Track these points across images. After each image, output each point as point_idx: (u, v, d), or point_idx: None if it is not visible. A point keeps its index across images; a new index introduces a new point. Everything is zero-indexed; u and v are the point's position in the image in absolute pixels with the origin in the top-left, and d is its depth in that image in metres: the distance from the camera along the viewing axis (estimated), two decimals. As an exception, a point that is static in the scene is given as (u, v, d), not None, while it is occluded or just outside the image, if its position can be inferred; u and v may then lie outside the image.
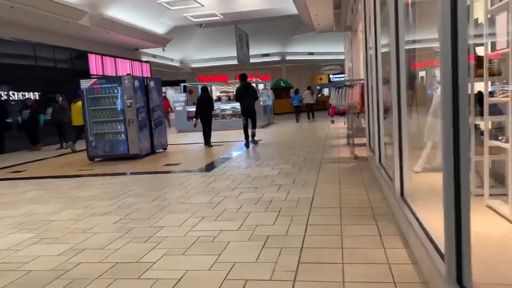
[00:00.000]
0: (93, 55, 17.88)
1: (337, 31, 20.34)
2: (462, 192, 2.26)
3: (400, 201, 4.00)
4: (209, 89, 12.29)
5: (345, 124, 13.92)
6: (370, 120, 7.53)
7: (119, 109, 9.68)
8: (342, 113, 10.72)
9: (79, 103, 10.80)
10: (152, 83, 10.50)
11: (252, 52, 30.59)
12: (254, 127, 11.23)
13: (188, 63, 35.67)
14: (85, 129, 9.88)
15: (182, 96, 17.19)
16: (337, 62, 33.59)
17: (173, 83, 29.86)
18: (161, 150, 10.97)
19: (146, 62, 22.65)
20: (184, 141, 13.71)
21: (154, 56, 29.90)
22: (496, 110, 4.19)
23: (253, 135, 11.26)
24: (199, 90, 20.40)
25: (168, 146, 11.46)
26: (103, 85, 9.72)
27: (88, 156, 9.90)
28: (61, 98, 13.03)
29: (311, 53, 36.63)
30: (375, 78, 6.22)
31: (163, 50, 22.73)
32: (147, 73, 22.60)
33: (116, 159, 9.81)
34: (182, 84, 17.44)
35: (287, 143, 11.17)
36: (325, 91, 36.65)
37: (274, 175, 6.76)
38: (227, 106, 17.64)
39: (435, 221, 3.69)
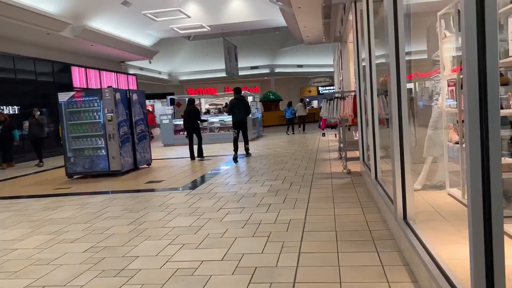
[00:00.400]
0: (77, 67, 17.36)
1: (327, 42, 20.14)
2: (494, 220, 1.83)
3: (403, 225, 3.56)
4: (196, 101, 12.06)
5: (336, 137, 13.57)
6: (363, 133, 7.15)
7: (100, 123, 9.18)
8: (333, 126, 10.33)
9: None
10: (135, 96, 10.02)
11: (241, 64, 30.33)
12: (246, 142, 11.26)
13: (176, 76, 35.28)
14: (63, 145, 9.34)
15: (169, 109, 16.71)
16: (326, 74, 33.44)
17: (161, 96, 29.42)
18: (145, 165, 10.46)
19: (132, 74, 22.17)
20: (170, 156, 13.19)
21: (141, 68, 29.46)
22: (505, 122, 3.82)
23: (247, 150, 11.29)
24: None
25: (153, 161, 10.96)
26: (83, 98, 9.22)
27: (66, 173, 9.34)
28: (38, 113, 12.32)
29: (300, 66, 36.52)
30: (369, 89, 5.85)
31: (150, 62, 22.28)
32: (133, 86, 22.12)
33: (96, 176, 9.28)
34: (169, 97, 16.97)
35: (277, 156, 10.74)
36: (314, 103, 36.54)
37: (263, 193, 6.31)
38: (215, 119, 17.20)
39: (445, 250, 3.27)
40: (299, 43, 32.21)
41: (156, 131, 17.06)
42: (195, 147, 11.44)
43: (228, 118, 16.87)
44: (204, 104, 41.64)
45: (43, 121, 12.39)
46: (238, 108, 10.73)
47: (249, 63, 34.00)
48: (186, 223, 4.88)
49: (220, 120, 17.10)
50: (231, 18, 19.13)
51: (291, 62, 35.65)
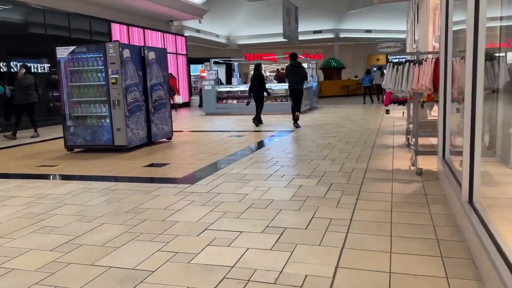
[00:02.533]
0: (118, 24, 15.77)
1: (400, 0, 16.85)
2: None
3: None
4: (260, 67, 11.34)
5: (403, 115, 10.82)
6: (446, 117, 4.65)
7: (105, 86, 7.36)
8: (400, 101, 7.75)
9: None
10: (151, 54, 8.06)
11: (302, 28, 27.45)
12: (299, 110, 10.36)
13: (234, 39, 33.14)
14: (63, 111, 7.68)
15: (212, 74, 14.71)
16: (397, 40, 29.56)
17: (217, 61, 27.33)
18: (164, 140, 8.62)
19: (181, 35, 20.33)
20: (205, 127, 11.27)
21: (198, 31, 27.66)
22: None
23: (297, 118, 10.25)
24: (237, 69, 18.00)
25: (182, 133, 9.12)
26: (85, 55, 7.42)
27: (66, 145, 7.71)
28: (23, 71, 9.53)
29: (369, 31, 32.75)
30: (471, 50, 3.34)
31: (200, 22, 20.30)
32: (182, 48, 20.35)
33: (98, 150, 7.57)
34: (212, 60, 14.95)
35: (323, 137, 8.40)
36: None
37: (283, 201, 4.12)
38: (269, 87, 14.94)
39: None
40: (368, 4, 28.60)
41: (176, 99, 14.89)
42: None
43: (276, 87, 14.61)
44: (263, 71, 39.49)
45: (29, 81, 9.51)
46: (294, 74, 10.11)
47: (311, 27, 30.93)
48: (134, 260, 2.86)
49: (268, 88, 14.80)
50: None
51: (358, 26, 32.00)
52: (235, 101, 14.86)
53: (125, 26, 16.19)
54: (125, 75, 7.30)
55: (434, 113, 8.96)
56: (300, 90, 10.24)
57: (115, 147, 7.42)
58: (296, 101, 10.23)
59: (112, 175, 5.68)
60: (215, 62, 16.20)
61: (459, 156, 3.74)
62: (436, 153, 5.26)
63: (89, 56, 7.39)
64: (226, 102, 14.92)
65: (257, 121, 10.91)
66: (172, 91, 14.35)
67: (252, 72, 37.53)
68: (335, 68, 27.03)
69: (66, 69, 7.50)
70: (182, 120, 13.60)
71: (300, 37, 26.99)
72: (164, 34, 18.83)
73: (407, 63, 4.96)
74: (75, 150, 7.75)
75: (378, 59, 36.82)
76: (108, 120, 7.41)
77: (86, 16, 14.20)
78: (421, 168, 5.05)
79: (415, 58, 5.02)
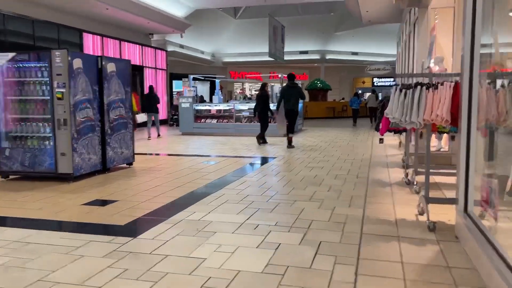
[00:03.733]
0: (90, 35, 14.51)
1: (390, 22, 16.06)
2: None
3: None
4: (266, 86, 11.26)
5: (400, 146, 9.78)
6: (469, 157, 3.51)
7: (49, 102, 6.07)
8: (399, 130, 6.66)
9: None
10: (111, 66, 6.81)
11: (288, 48, 26.66)
12: (292, 131, 10.20)
13: (220, 57, 32.11)
14: (-1, 130, 6.33)
15: (190, 91, 13.49)
16: (386, 63, 28.92)
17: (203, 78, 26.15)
18: (124, 165, 7.31)
19: (162, 49, 19.14)
20: (178, 149, 9.98)
21: (182, 46, 26.57)
22: None
23: (290, 140, 10.06)
24: (216, 85, 16.84)
25: (151, 156, 7.82)
26: (25, 63, 6.12)
27: (0, 170, 6.34)
28: None
29: (355, 53, 32.18)
30: None
31: (181, 36, 19.16)
32: (162, 63, 19.15)
33: (38, 178, 6.21)
34: (191, 76, 13.76)
35: (308, 168, 7.21)
36: (366, 96, 32.15)
37: (251, 277, 2.86)
38: (243, 107, 13.80)
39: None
40: (355, 26, 27.98)
41: (137, 118, 13.59)
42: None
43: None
44: (248, 89, 38.46)
45: None
46: (290, 96, 9.97)
47: (298, 47, 30.17)
48: None
49: (249, 109, 13.67)
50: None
51: (345, 48, 31.41)
52: (214, 121, 13.65)
53: (99, 37, 14.93)
54: (74, 89, 6.02)
55: (433, 143, 7.89)
56: (293, 110, 10.07)
57: (58, 175, 6.08)
58: (290, 122, 10.14)
59: (36, 218, 4.34)
60: (195, 79, 15.03)
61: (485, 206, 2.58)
62: (451, 201, 4.10)
63: (31, 65, 6.10)
64: (205, 122, 13.69)
65: (261, 139, 10.82)
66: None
67: (237, 91, 36.52)
68: (321, 90, 26.20)
69: (4, 79, 6.18)
70: (154, 141, 12.29)
71: (286, 57, 26.12)
72: (143, 47, 17.63)
73: (419, 87, 3.82)
74: (11, 177, 6.37)
75: (363, 82, 36.27)
76: (52, 143, 6.08)
77: (54, 23, 12.90)
78: (435, 222, 3.86)
79: (428, 82, 3.88)
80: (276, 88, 14.30)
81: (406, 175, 6.20)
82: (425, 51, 7.36)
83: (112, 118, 6.86)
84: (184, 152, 9.48)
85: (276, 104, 10.79)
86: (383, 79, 35.59)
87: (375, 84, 35.45)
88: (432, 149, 7.77)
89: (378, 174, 6.61)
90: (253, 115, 11.37)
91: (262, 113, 10.88)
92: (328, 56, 31.60)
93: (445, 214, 4.18)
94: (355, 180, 6.15)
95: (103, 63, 6.64)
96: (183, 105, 13.52)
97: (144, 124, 12.91)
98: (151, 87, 13.48)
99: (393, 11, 13.25)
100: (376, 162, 7.90)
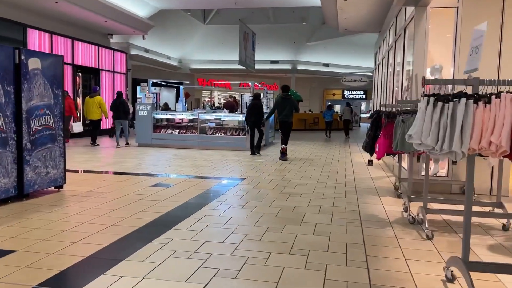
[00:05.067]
0: (36, 31, 12.68)
1: (368, 31, 15.07)
2: None
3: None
4: (261, 96, 11.15)
5: (393, 169, 8.56)
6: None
7: None
8: (392, 153, 5.41)
9: (98, 97, 12.23)
10: (34, 62, 5.21)
11: (259, 57, 25.45)
12: (286, 142, 9.96)
13: (187, 63, 30.52)
14: None
15: (149, 97, 11.89)
16: (362, 75, 28.18)
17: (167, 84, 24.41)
18: (51, 188, 5.69)
19: (121, 51, 17.42)
20: (129, 167, 8.38)
21: (147, 50, 24.89)
22: None
23: (283, 151, 9.84)
24: (181, 91, 15.24)
25: (91, 174, 6.21)
26: None
27: None
28: None
29: (326, 65, 31.41)
30: None
31: (144, 38, 17.54)
32: (122, 66, 17.41)
33: None
34: (151, 80, 12.18)
35: (284, 196, 5.84)
36: (337, 108, 31.39)
37: None
38: (209, 117, 12.31)
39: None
40: (327, 37, 27.15)
41: (72, 127, 12.06)
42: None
43: (227, 117, 12.07)
44: (217, 97, 36.91)
45: None
46: (283, 107, 9.81)
47: (269, 57, 29.06)
48: None
49: (215, 119, 12.21)
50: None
51: (316, 59, 30.57)
52: (176, 131, 12.08)
53: (47, 34, 13.11)
54: (-26, 90, 4.40)
55: (432, 166, 6.68)
56: (287, 122, 9.92)
57: None
58: (283, 134, 9.97)
59: None
60: (155, 84, 13.44)
61: None
62: (502, 269, 2.80)
63: None
64: (165, 132, 12.10)
65: (257, 149, 10.75)
66: (67, 117, 11.43)
67: (206, 99, 34.91)
68: (292, 100, 25.03)
69: None
70: (105, 153, 10.61)
71: (257, 66, 24.88)
72: (100, 48, 15.86)
73: (464, 101, 2.49)
74: None
75: (334, 94, 35.60)
76: None
77: (-10, 15, 11.07)
78: (484, 304, 2.54)
79: (479, 94, 2.57)
80: (246, 97, 12.93)
81: (406, 209, 4.92)
82: (423, 57, 6.17)
83: (34, 129, 5.25)
84: (134, 170, 7.89)
85: (267, 114, 10.86)
86: (354, 92, 35.03)
87: (345, 96, 34.85)
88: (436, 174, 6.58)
89: (370, 206, 5.29)
90: (247, 126, 10.95)
91: (256, 123, 10.58)
92: (300, 67, 30.67)
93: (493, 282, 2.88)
94: (344, 215, 4.80)
95: (22, 57, 5.04)
96: (140, 113, 11.89)
97: (79, 135, 11.29)
98: (119, 93, 12.27)
99: (373, 18, 12.23)
100: (363, 187, 6.61)
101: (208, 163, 8.90)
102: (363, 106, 35.59)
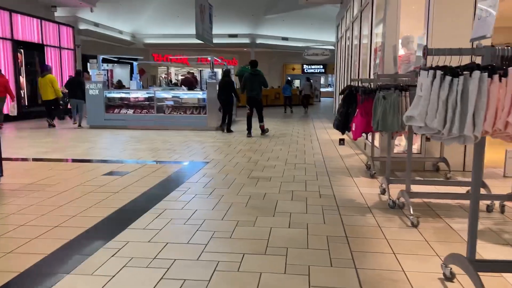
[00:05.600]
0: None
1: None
2: None
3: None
4: (231, 72, 10.92)
5: (365, 148, 8.23)
6: None
7: None
8: (367, 131, 5.01)
9: (49, 76, 11.11)
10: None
11: (217, 31, 24.32)
12: (261, 120, 9.92)
13: (141, 38, 28.95)
14: None
15: (99, 75, 10.92)
16: (323, 49, 27.85)
17: (121, 60, 22.91)
18: (-17, 183, 4.91)
19: (67, 25, 15.99)
20: (78, 152, 7.58)
21: (97, 24, 23.24)
22: None
23: (262, 128, 9.91)
24: (134, 68, 14.14)
25: (35, 163, 5.43)
26: None
27: None
28: None
29: (285, 38, 30.87)
30: None
31: (91, 10, 16.19)
32: (69, 42, 16.02)
33: None
34: (101, 56, 11.13)
35: (252, 181, 5.38)
36: (297, 83, 31.10)
37: None
38: (166, 94, 11.53)
39: None
40: (285, 10, 26.48)
41: (9, 107, 10.94)
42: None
43: (185, 95, 11.36)
44: (174, 74, 35.51)
45: None
46: (252, 83, 9.63)
47: (227, 30, 28.05)
48: None
49: (173, 97, 11.46)
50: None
51: (275, 33, 29.92)
52: (130, 111, 11.24)
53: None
54: None
55: (399, 141, 6.43)
56: (256, 99, 9.74)
57: None
58: (257, 110, 9.80)
59: None
60: (106, 60, 12.41)
61: None
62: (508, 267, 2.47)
63: None
64: (119, 112, 11.22)
65: (227, 128, 10.48)
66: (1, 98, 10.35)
67: (162, 75, 33.52)
68: (252, 75, 24.40)
69: None
70: (52, 137, 9.66)
71: (215, 40, 23.83)
72: (43, 22, 14.42)
73: (477, 74, 2.06)
74: None
75: (293, 69, 35.25)
76: None
77: None
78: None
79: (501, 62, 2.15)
80: (205, 73, 12.22)
81: (384, 191, 4.60)
82: (395, 27, 5.78)
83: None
84: (85, 156, 7.13)
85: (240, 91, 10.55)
86: (313, 66, 34.82)
87: (305, 71, 34.61)
88: (398, 149, 6.31)
89: (345, 189, 4.92)
90: (220, 104, 10.65)
91: (227, 101, 10.33)
92: (258, 41, 29.93)
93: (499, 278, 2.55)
94: (319, 201, 4.40)
95: None
96: (90, 92, 10.92)
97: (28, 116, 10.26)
98: (78, 71, 11.72)
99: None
100: (334, 167, 6.25)
101: (167, 146, 8.26)
102: (322, 80, 35.55)
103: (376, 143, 6.11)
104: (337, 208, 4.17)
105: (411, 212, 3.71)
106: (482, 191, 4.20)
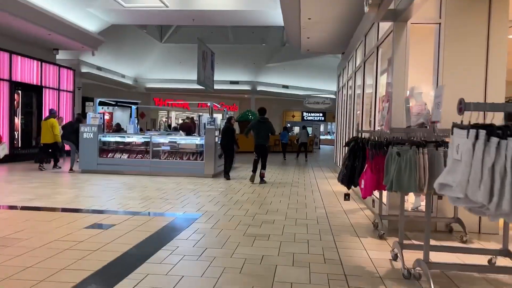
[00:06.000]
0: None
1: (332, 53, 14.69)
2: None
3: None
4: (232, 120, 10.76)
5: (373, 205, 7.70)
6: None
7: None
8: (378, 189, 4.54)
9: (51, 120, 10.93)
10: None
11: (218, 77, 24.54)
12: (264, 167, 9.84)
13: (143, 82, 29.14)
14: None
15: (95, 118, 10.59)
16: (325, 98, 27.93)
17: (122, 103, 22.69)
18: None
19: (68, 68, 15.92)
20: (63, 199, 7.06)
21: (100, 68, 23.36)
22: None
23: (262, 176, 9.75)
24: (132, 112, 13.87)
25: (14, 211, 4.91)
26: None
27: None
28: None
29: (286, 86, 31.11)
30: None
31: (93, 54, 16.18)
32: (68, 84, 15.89)
33: None
34: (97, 99, 10.88)
35: (249, 242, 4.84)
36: (296, 129, 30.99)
37: None
38: (162, 139, 11.14)
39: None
40: (287, 59, 26.84)
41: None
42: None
43: (182, 141, 10.98)
44: (174, 118, 35.51)
45: None
46: (259, 130, 9.67)
47: (228, 77, 28.30)
48: None
49: (170, 142, 11.07)
50: (208, 4, 13.34)
51: (276, 81, 30.21)
52: (125, 156, 10.80)
53: (-22, 46, 11.57)
54: None
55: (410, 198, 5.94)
56: (264, 146, 9.75)
57: None
58: (261, 158, 9.76)
59: None
60: (103, 103, 12.15)
61: None
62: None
63: None
64: (113, 157, 10.78)
65: (227, 175, 10.28)
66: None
67: (163, 119, 33.45)
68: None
69: None
70: (40, 181, 9.15)
71: (216, 86, 23.97)
72: (43, 64, 14.34)
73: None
74: None
75: (293, 116, 35.33)
76: None
77: None
78: None
79: None
80: (204, 118, 11.92)
81: (395, 257, 4.06)
82: (403, 77, 5.47)
83: None
84: (69, 204, 6.60)
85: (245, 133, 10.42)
86: (313, 114, 34.95)
87: (305, 118, 34.67)
88: (405, 206, 5.80)
89: (352, 253, 4.37)
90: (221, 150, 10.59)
91: (227, 146, 10.28)
92: (259, 88, 30.14)
93: None
94: (324, 268, 3.85)
95: None
96: (85, 135, 10.54)
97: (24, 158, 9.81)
98: (78, 118, 11.63)
99: (337, 38, 11.71)
100: (338, 224, 5.72)
101: (160, 194, 7.74)
102: (322, 128, 35.51)
103: (384, 199, 5.61)
104: (345, 277, 3.62)
105: (419, 273, 3.17)
106: (505, 260, 3.69)
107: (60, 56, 16.29)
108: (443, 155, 3.18)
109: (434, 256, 3.93)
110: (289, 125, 28.61)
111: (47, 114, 11.50)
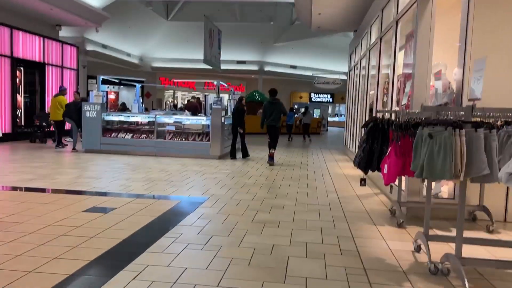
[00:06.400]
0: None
1: (344, 30, 14.02)
2: None
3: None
4: (243, 100, 10.55)
5: (391, 193, 7.30)
6: None
7: None
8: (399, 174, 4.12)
9: (60, 97, 10.91)
10: None
11: (225, 57, 23.96)
12: (274, 147, 9.69)
13: (148, 61, 28.62)
14: None
15: (98, 96, 10.21)
16: (333, 78, 27.29)
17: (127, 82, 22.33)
18: None
19: (71, 44, 15.46)
20: (63, 180, 6.75)
21: (105, 46, 22.89)
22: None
23: (271, 155, 9.59)
24: (135, 92, 13.41)
25: (14, 192, 4.61)
26: None
27: None
28: None
29: (294, 67, 30.43)
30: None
31: (97, 31, 15.70)
32: (72, 61, 15.47)
33: None
34: (100, 77, 10.49)
35: (258, 228, 4.49)
36: (302, 111, 30.46)
37: None
38: (167, 119, 10.76)
39: None
40: (295, 38, 26.10)
41: None
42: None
43: (188, 121, 10.59)
44: (180, 98, 35.02)
45: None
46: (271, 112, 9.59)
47: (235, 57, 27.68)
48: None
49: (175, 122, 10.69)
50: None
51: (284, 61, 29.52)
52: (129, 135, 10.46)
53: (-22, 20, 11.15)
54: None
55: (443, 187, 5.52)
56: (275, 126, 9.67)
57: None
58: (272, 138, 9.70)
59: None
60: (106, 82, 11.75)
61: None
62: None
63: None
64: (117, 136, 10.45)
65: (231, 155, 10.31)
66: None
67: (169, 99, 33.02)
68: (259, 103, 23.76)
69: None
70: (42, 161, 8.85)
71: (223, 66, 23.40)
72: (46, 40, 13.90)
73: None
74: None
75: (301, 97, 34.71)
76: None
77: None
78: None
79: None
80: (210, 98, 11.48)
81: (418, 248, 3.69)
82: (427, 54, 5.00)
83: None
84: (69, 186, 6.28)
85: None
86: (321, 95, 34.31)
87: (312, 99, 34.07)
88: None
89: (370, 243, 4.00)
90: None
91: (234, 127, 10.26)
92: (267, 68, 29.49)
93: None
94: (341, 261, 3.49)
95: None
96: (87, 114, 10.18)
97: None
98: (83, 97, 11.53)
99: (350, 14, 11.11)
100: (352, 210, 5.35)
101: (164, 175, 7.41)
102: (330, 110, 34.95)
103: (403, 185, 5.21)
104: (365, 271, 3.26)
105: (467, 286, 2.80)
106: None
107: (64, 33, 15.84)
108: (483, 137, 2.76)
109: (465, 250, 3.55)
110: (296, 106, 28.09)
111: (50, 91, 11.18)
